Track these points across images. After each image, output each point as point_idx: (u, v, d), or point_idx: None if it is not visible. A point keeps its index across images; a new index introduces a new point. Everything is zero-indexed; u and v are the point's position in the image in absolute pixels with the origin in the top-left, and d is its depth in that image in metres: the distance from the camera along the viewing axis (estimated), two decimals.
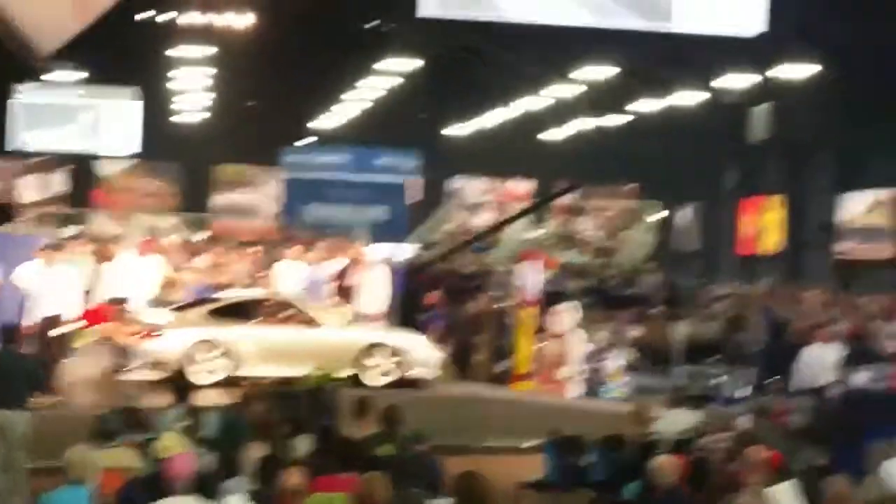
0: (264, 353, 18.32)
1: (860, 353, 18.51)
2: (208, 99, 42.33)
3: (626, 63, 32.80)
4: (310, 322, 18.84)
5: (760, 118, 34.24)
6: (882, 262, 34.33)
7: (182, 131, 44.09)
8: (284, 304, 19.14)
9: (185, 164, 43.41)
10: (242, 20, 30.91)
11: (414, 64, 33.65)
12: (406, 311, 22.26)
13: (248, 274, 22.52)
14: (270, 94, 40.18)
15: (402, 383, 18.74)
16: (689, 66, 33.87)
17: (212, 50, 33.66)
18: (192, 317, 18.63)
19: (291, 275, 21.39)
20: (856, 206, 36.22)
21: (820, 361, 17.85)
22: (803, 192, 39.40)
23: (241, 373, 18.15)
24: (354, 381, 18.44)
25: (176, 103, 43.12)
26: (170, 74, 38.92)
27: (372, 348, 18.78)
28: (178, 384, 17.62)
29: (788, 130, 34.35)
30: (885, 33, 26.62)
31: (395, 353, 18.83)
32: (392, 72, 35.60)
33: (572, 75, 34.22)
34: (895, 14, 25.45)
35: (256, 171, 43.04)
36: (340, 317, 19.64)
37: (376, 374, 18.70)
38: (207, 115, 43.75)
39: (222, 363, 18.20)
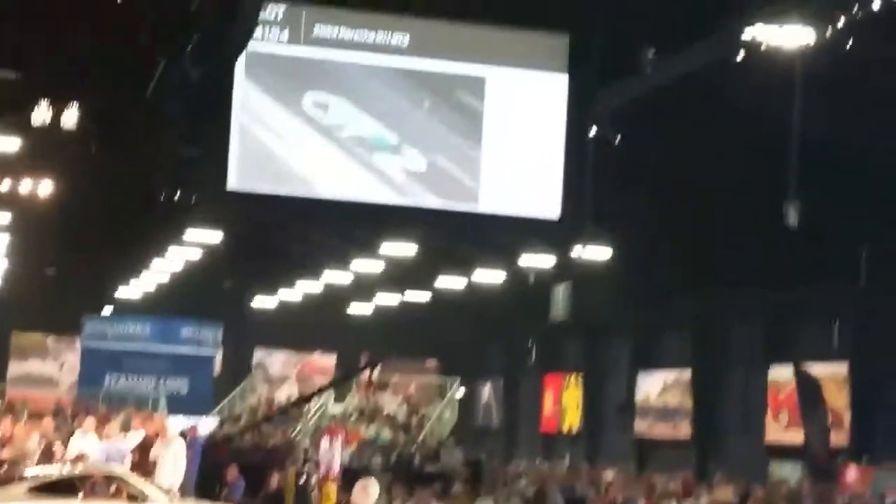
0: None
1: None
2: (3, 265, 41.48)
3: (430, 240, 33.29)
4: (138, 497, 18.25)
5: (560, 298, 34.96)
6: (678, 441, 35.00)
7: None
8: (110, 478, 18.54)
9: None
10: (40, 187, 30.55)
11: (219, 235, 33.58)
12: (206, 486, 21.90)
13: (42, 446, 21.91)
14: (71, 262, 39.60)
15: None
16: (491, 245, 34.51)
17: (6, 216, 33.14)
18: (13, 493, 17.92)
19: (87, 448, 20.89)
20: (652, 386, 37.00)
21: None
22: (601, 370, 40.16)
23: None
24: None
25: None
26: None
27: None
28: None
29: (586, 310, 35.13)
30: (674, 218, 27.57)
31: None
32: (197, 243, 35.42)
33: (376, 250, 34.55)
34: (684, 200, 26.38)
35: (55, 340, 42.16)
36: (166, 491, 19.15)
37: None
38: (2, 282, 42.84)
39: None
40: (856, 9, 14.32)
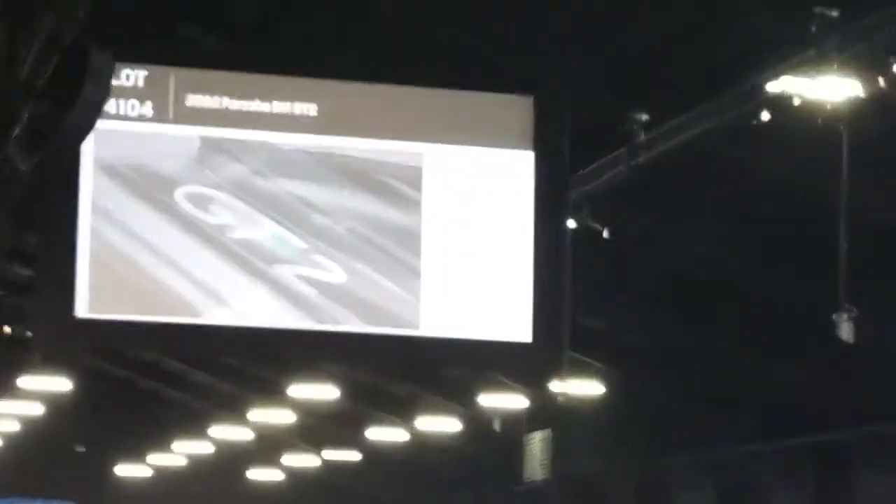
0: None
1: None
2: None
3: (356, 378, 33.26)
4: None
5: (536, 450, 35.05)
6: None
7: None
8: None
9: None
10: None
11: (67, 383, 33.35)
12: None
13: None
14: None
15: None
16: (439, 382, 34.51)
17: None
18: None
19: None
20: None
21: None
22: None
23: None
24: None
25: None
26: None
27: None
28: None
29: (573, 465, 35.19)
30: (682, 337, 27.81)
31: None
32: (37, 394, 35.23)
33: (282, 394, 34.45)
34: (692, 312, 26.62)
35: None
36: None
37: None
38: None
39: None
40: None
